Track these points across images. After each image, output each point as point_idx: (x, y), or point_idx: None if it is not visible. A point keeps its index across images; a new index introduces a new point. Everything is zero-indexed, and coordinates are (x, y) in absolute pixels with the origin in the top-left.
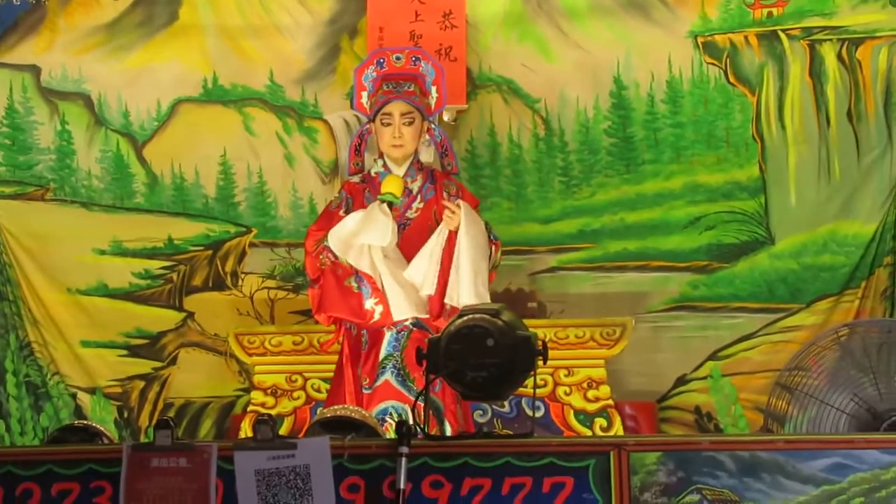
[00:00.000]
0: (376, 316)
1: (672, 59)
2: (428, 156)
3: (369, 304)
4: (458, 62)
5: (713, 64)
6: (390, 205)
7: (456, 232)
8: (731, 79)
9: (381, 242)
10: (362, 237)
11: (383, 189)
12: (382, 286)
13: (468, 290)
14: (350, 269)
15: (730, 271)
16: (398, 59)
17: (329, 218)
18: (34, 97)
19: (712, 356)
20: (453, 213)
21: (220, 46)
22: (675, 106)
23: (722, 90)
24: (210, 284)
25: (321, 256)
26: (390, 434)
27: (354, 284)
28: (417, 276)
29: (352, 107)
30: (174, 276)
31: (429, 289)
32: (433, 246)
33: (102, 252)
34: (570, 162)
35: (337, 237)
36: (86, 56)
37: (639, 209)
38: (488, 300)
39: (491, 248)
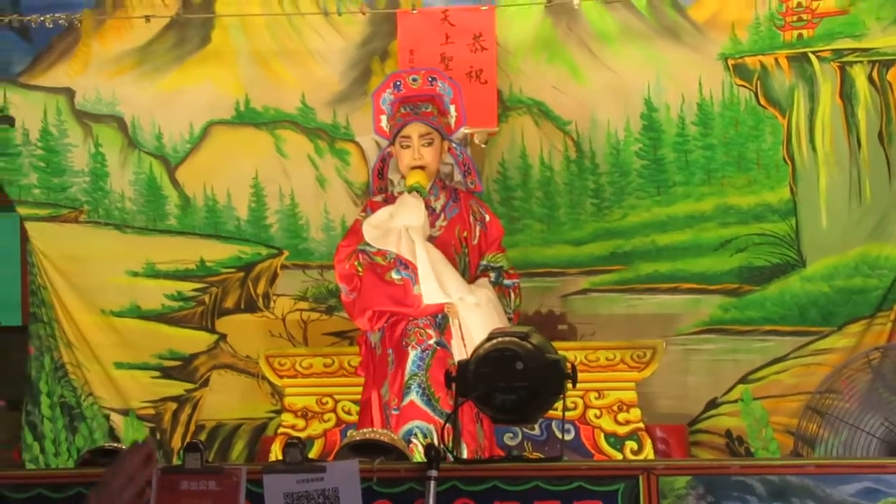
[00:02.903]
0: (425, 300)
1: (702, 82)
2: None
3: (417, 289)
4: (489, 85)
5: (744, 86)
6: (419, 193)
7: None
8: (762, 101)
9: (417, 222)
10: (397, 220)
11: (410, 181)
12: (425, 268)
13: None
14: (388, 265)
15: (761, 294)
16: (414, 80)
17: (356, 234)
18: (68, 120)
19: (743, 379)
20: (450, 310)
21: (252, 69)
22: (706, 128)
23: (752, 112)
24: (242, 306)
25: (356, 263)
26: (416, 455)
27: (396, 277)
28: None
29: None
30: (206, 297)
31: None
32: (457, 340)
33: (135, 274)
34: (602, 184)
35: (372, 225)
36: (119, 79)
37: (670, 231)
38: None
39: (509, 297)
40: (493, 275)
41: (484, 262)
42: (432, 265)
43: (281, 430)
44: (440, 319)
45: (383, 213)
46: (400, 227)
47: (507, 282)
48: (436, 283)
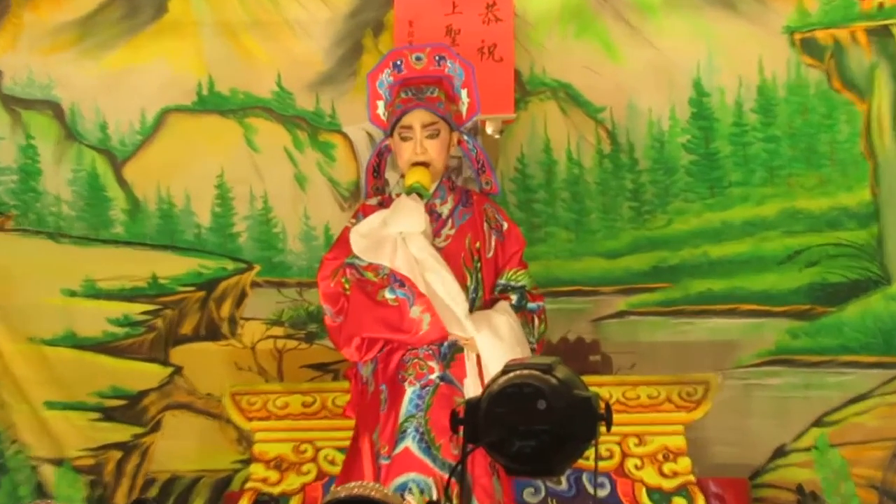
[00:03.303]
0: (425, 326)
1: (764, 61)
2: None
3: (415, 311)
4: (505, 63)
5: (813, 66)
6: (420, 196)
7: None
8: (836, 83)
9: (416, 228)
10: (392, 226)
11: (409, 181)
12: (426, 285)
13: None
14: (380, 283)
15: (837, 317)
16: (418, 59)
17: (345, 244)
18: None
19: (817, 422)
20: (467, 343)
21: (217, 45)
22: (768, 116)
23: (824, 97)
24: (202, 333)
25: (342, 279)
26: None
27: (390, 297)
28: None
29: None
30: (159, 322)
31: None
32: (473, 378)
33: (72, 293)
34: (642, 184)
35: (361, 234)
36: (56, 56)
37: (725, 241)
38: None
39: (533, 323)
40: (514, 297)
41: (502, 281)
42: (440, 275)
43: (249, 484)
44: (446, 349)
45: (375, 218)
46: (395, 235)
47: (531, 305)
48: (445, 307)
